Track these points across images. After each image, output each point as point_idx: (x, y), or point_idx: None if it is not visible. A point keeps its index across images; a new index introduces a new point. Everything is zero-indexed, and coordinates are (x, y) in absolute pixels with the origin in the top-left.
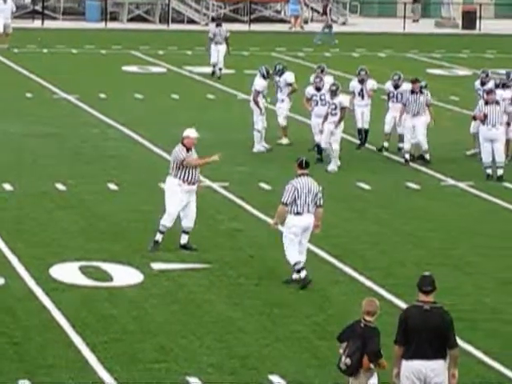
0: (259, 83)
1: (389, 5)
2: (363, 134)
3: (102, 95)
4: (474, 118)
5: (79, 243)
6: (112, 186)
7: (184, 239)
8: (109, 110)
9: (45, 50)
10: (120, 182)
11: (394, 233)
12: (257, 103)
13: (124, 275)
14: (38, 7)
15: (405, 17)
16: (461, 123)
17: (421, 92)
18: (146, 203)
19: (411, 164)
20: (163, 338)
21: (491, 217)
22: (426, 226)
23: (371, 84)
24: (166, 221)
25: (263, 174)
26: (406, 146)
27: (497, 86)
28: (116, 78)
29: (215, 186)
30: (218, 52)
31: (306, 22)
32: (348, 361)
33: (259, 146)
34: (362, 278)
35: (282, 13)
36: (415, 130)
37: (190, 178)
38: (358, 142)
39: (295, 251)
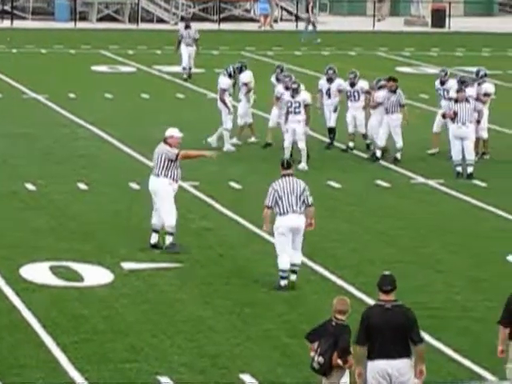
0: (224, 81)
1: (358, 3)
2: (333, 133)
3: (72, 95)
4: (444, 117)
5: (49, 243)
6: (82, 186)
7: (154, 238)
8: (78, 110)
9: (14, 50)
10: (90, 182)
11: (365, 231)
12: (224, 102)
13: (94, 275)
14: (7, 7)
15: (374, 15)
16: (430, 121)
17: (394, 91)
18: (116, 203)
19: (381, 162)
20: (134, 338)
21: (461, 214)
22: (397, 224)
23: (337, 84)
24: (171, 221)
25: (233, 173)
26: (380, 142)
27: (462, 83)
28: (85, 78)
29: (185, 185)
30: (188, 55)
31: (275, 21)
32: (321, 359)
33: (229, 146)
34: (332, 277)
35: (252, 12)
36: (389, 127)
37: (177, 176)
38: (328, 140)
39: (284, 256)
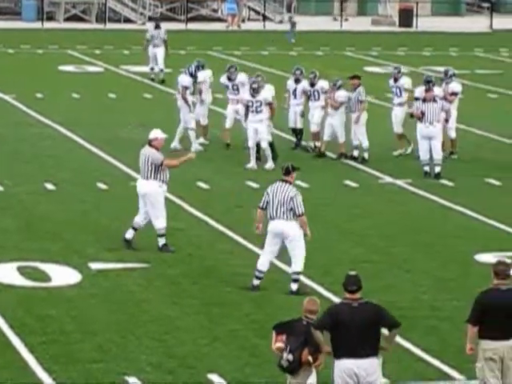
0: (185, 79)
1: (325, 3)
2: (300, 134)
3: (39, 95)
4: (412, 116)
5: (17, 243)
6: (49, 186)
7: (130, 234)
8: (46, 110)
9: None
10: (57, 182)
11: (333, 231)
12: (185, 100)
13: (62, 275)
14: None
15: (342, 15)
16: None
17: (356, 89)
18: (84, 203)
19: (349, 162)
20: (102, 338)
21: (429, 214)
22: (365, 224)
23: (304, 85)
24: (162, 223)
25: (201, 174)
26: (365, 144)
27: (428, 82)
28: (53, 78)
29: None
30: (155, 56)
31: (243, 20)
32: (290, 357)
33: (196, 145)
34: (300, 277)
35: (219, 12)
36: (352, 126)
37: (166, 178)
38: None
39: (264, 255)
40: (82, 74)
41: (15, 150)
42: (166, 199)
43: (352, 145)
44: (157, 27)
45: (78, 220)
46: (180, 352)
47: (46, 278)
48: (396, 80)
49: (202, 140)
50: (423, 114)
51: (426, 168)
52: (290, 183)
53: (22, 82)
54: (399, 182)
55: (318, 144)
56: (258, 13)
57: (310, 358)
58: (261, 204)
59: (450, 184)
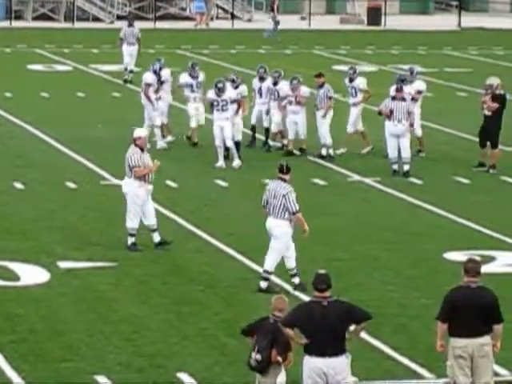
0: (148, 77)
1: (294, 1)
2: (267, 133)
3: (8, 94)
4: (380, 114)
5: None
6: (18, 185)
7: (157, 237)
8: (14, 109)
9: None
10: (26, 181)
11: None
12: (148, 98)
13: (31, 274)
14: None
15: (310, 13)
16: (366, 119)
17: (321, 86)
18: (53, 202)
19: (317, 160)
20: (70, 337)
21: (398, 212)
22: (334, 222)
23: (268, 83)
24: (133, 224)
25: (170, 172)
26: (328, 141)
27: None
28: (21, 77)
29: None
30: (130, 55)
31: (211, 19)
32: (258, 356)
33: (161, 143)
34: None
35: (188, 10)
36: (319, 124)
37: (150, 178)
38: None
39: (269, 257)
40: (50, 73)
41: None
42: None
43: (319, 143)
44: (130, 25)
45: (46, 219)
46: (149, 351)
47: (14, 277)
48: (351, 80)
49: (169, 138)
50: (392, 112)
51: (395, 166)
52: (285, 181)
53: None
54: (368, 180)
55: (285, 142)
56: (226, 11)
57: (279, 359)
58: (262, 203)
59: (419, 182)
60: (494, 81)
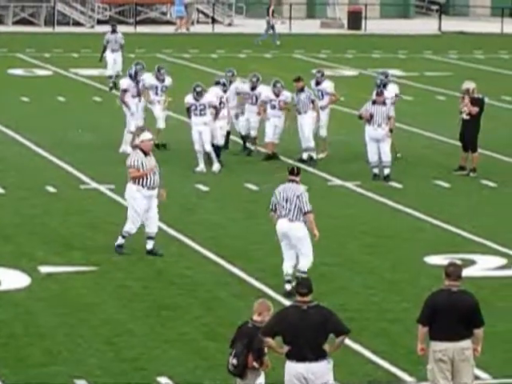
0: (124, 82)
1: (275, 6)
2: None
3: None
4: (360, 118)
5: None
6: None
7: (149, 245)
8: None
9: None
10: (6, 185)
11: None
12: (124, 103)
13: (11, 279)
14: None
15: (290, 17)
16: (347, 123)
17: (302, 90)
18: (33, 206)
19: (298, 164)
20: (51, 342)
21: (378, 216)
22: None
23: (235, 87)
24: (129, 227)
25: None
26: (304, 145)
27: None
28: (1, 81)
29: (102, 187)
30: (114, 61)
31: (192, 23)
32: (235, 361)
33: (126, 148)
34: (250, 279)
35: (168, 15)
36: (302, 128)
37: (148, 182)
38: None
39: (286, 261)
40: (31, 78)
41: None
42: (115, 202)
43: (300, 147)
44: (113, 32)
45: (26, 223)
46: (130, 355)
47: None
48: (318, 83)
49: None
50: (372, 116)
51: (375, 170)
52: (297, 182)
53: None
54: (348, 185)
55: (252, 148)
56: (207, 16)
57: (256, 364)
58: (270, 206)
59: (399, 186)
60: (470, 85)
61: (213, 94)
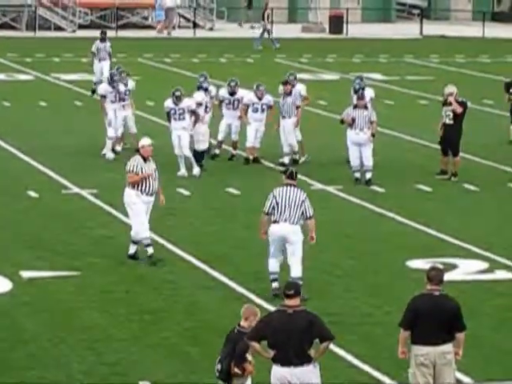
0: (102, 87)
1: (256, 10)
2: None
3: None
4: (342, 122)
5: None
6: None
7: (132, 249)
8: None
9: None
10: None
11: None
12: (103, 109)
13: None
14: None
15: (272, 22)
16: (328, 127)
17: (289, 94)
18: (14, 211)
19: (281, 168)
20: (33, 346)
21: (360, 220)
22: None
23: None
24: (135, 232)
25: None
26: (285, 149)
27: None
28: None
29: (84, 192)
30: (101, 69)
31: (173, 28)
32: (219, 366)
33: (109, 153)
34: (232, 284)
35: (150, 19)
36: (284, 131)
37: (147, 188)
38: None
39: (272, 261)
40: (12, 82)
41: None
42: (97, 207)
43: (282, 151)
44: (102, 40)
45: (8, 228)
46: (112, 359)
47: None
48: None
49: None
50: (354, 120)
51: (357, 174)
52: (296, 186)
53: None
54: (330, 189)
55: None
56: (188, 20)
57: (238, 371)
58: (266, 209)
59: (381, 190)
60: (452, 89)
61: (195, 99)
